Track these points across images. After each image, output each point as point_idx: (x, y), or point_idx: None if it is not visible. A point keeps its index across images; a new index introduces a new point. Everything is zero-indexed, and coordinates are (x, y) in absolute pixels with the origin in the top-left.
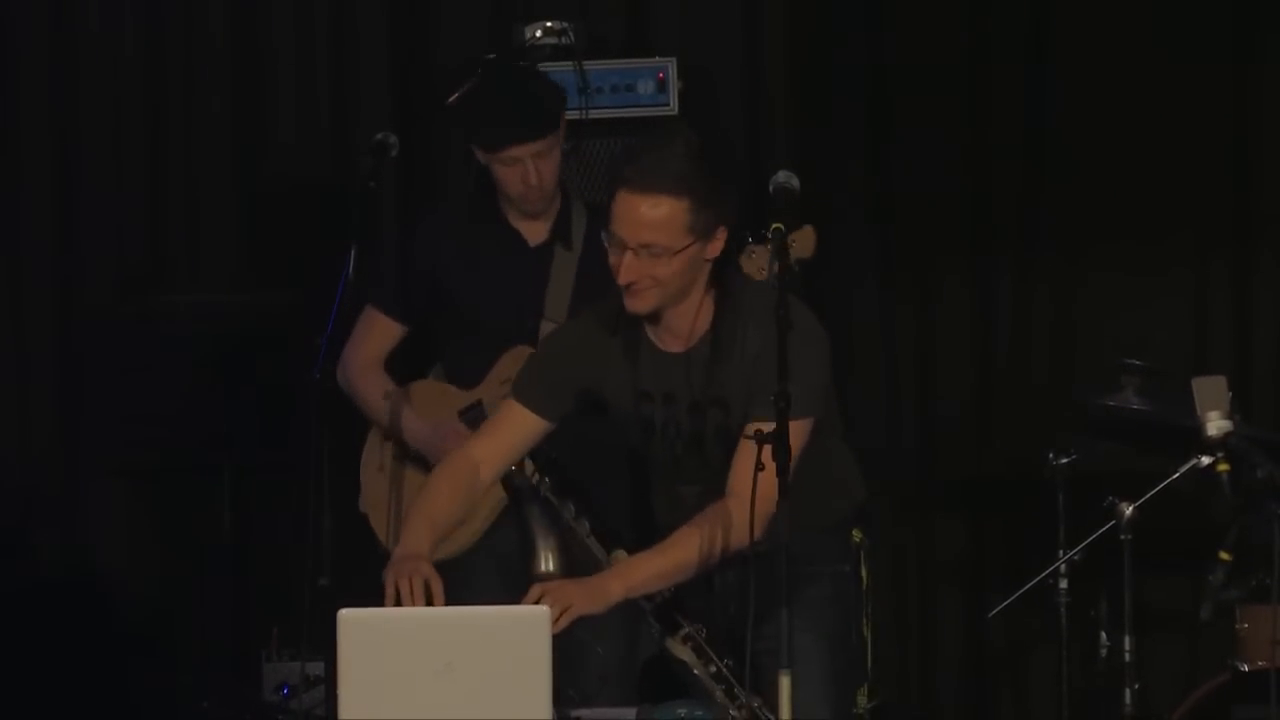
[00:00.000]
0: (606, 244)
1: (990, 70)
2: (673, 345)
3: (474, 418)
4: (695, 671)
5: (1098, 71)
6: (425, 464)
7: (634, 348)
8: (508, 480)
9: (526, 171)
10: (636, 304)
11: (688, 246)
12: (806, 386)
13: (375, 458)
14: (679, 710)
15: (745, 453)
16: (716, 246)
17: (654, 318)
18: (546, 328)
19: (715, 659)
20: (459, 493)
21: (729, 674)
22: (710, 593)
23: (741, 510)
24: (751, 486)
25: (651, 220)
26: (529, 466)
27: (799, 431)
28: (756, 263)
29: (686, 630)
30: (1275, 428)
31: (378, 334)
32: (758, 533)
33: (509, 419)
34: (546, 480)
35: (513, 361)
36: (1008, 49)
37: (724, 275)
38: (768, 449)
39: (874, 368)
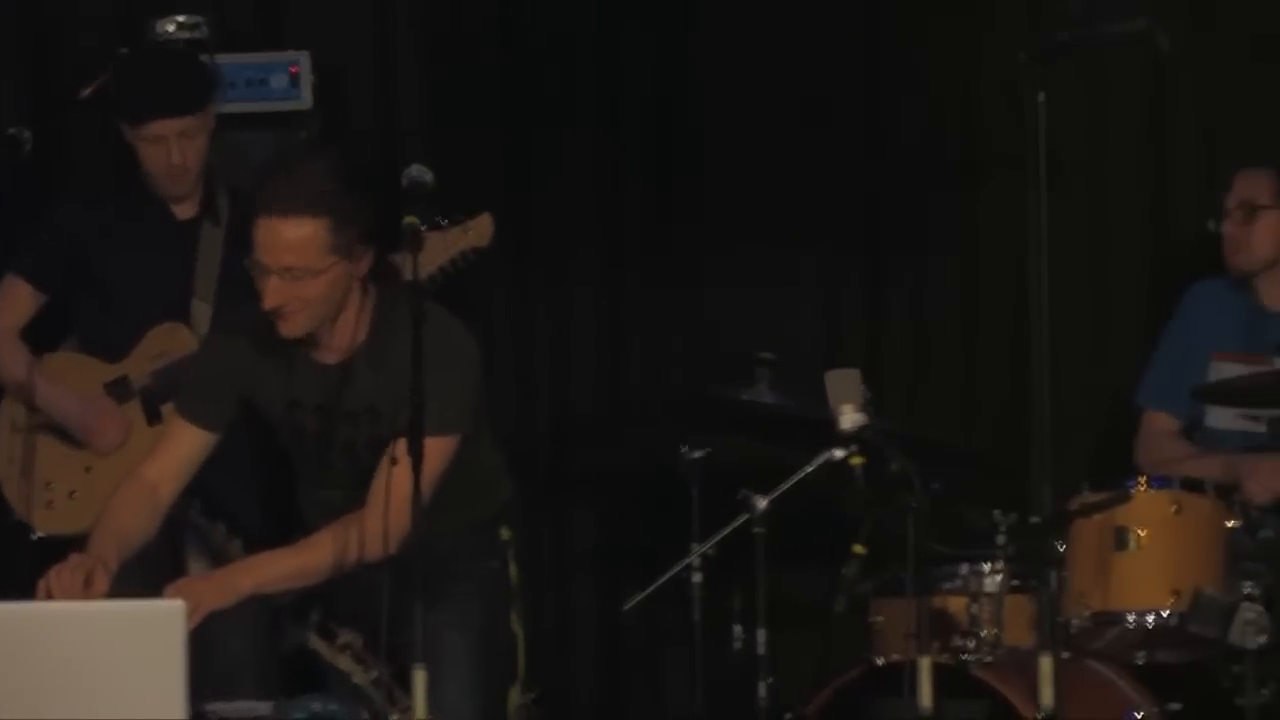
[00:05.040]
0: (251, 271)
1: (624, 70)
2: (327, 357)
3: (120, 391)
4: (355, 680)
5: (734, 75)
6: (62, 434)
7: (289, 360)
8: None
9: (170, 150)
10: (288, 328)
11: (331, 266)
12: (449, 406)
13: (4, 424)
14: (313, 705)
15: (388, 465)
16: (363, 264)
17: (309, 338)
18: (197, 305)
19: (375, 665)
20: (141, 514)
21: (388, 680)
22: (363, 590)
23: (379, 521)
24: (391, 499)
25: (292, 242)
26: None
27: (441, 449)
28: (433, 250)
29: (343, 639)
30: (908, 421)
31: (16, 301)
32: (392, 549)
33: (176, 435)
34: (197, 503)
35: (160, 338)
36: (640, 47)
37: (379, 286)
38: (403, 443)
39: (507, 359)
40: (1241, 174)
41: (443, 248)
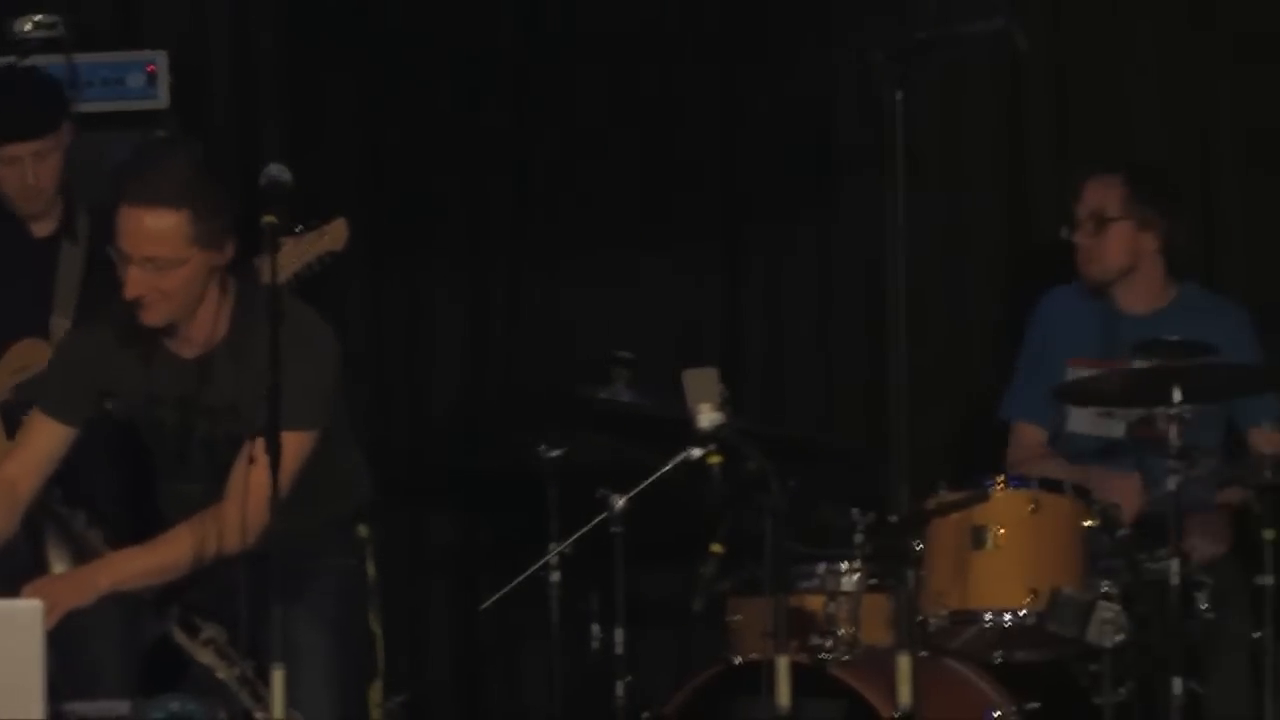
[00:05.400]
0: (114, 258)
1: (482, 68)
2: (187, 351)
3: None
4: (219, 675)
5: (591, 72)
6: None
7: (149, 353)
8: None
9: (25, 171)
10: (149, 317)
11: (192, 258)
12: (305, 401)
13: None
14: (171, 704)
15: (245, 458)
16: (225, 255)
17: (169, 328)
18: (57, 322)
19: (238, 661)
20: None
21: (252, 676)
22: (222, 587)
23: (237, 514)
24: (249, 492)
25: (154, 233)
26: None
27: (298, 444)
28: (288, 256)
29: (206, 634)
30: (766, 420)
31: None
32: (250, 541)
33: (35, 430)
34: (57, 491)
35: (20, 353)
36: (499, 46)
37: (240, 282)
38: (261, 442)
39: (365, 357)
40: (1091, 182)
41: (298, 253)
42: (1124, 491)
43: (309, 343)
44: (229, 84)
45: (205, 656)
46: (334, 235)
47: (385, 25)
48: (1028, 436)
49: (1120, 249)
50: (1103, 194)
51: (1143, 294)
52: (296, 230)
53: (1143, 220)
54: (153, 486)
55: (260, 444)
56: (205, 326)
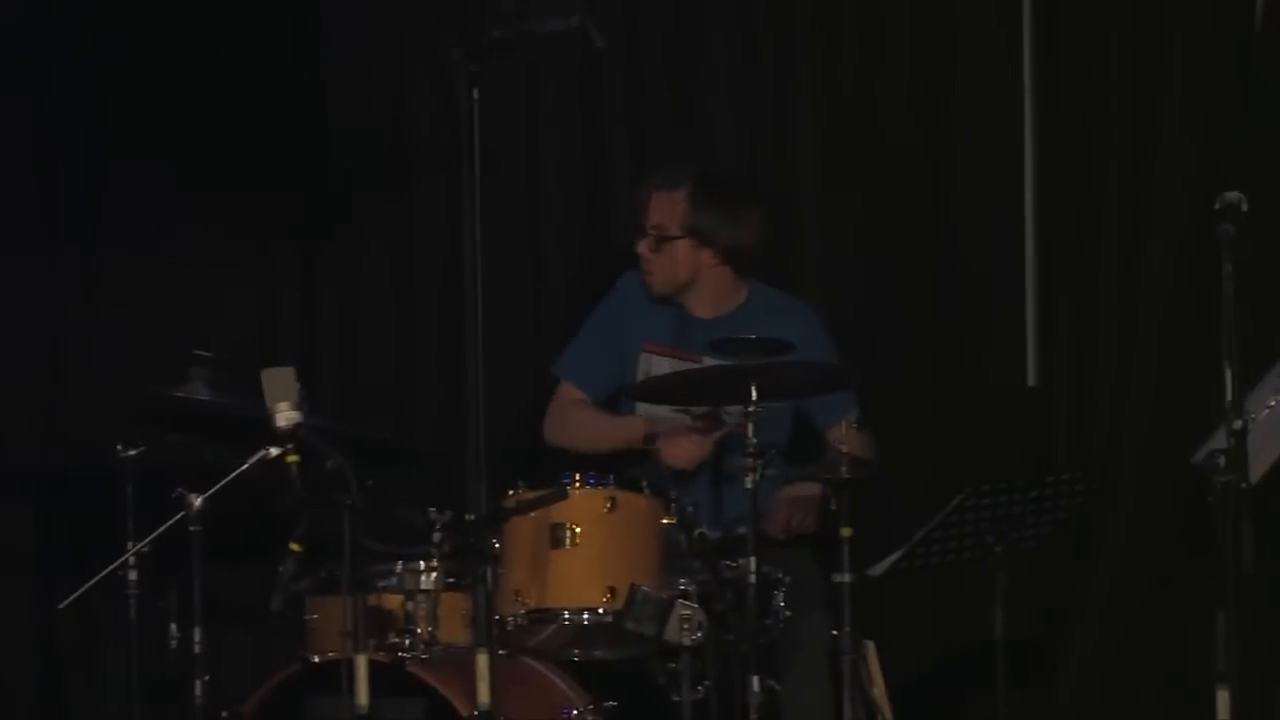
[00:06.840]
0: None
1: (57, 61)
2: None
3: None
4: None
5: (164, 67)
6: None
7: None
8: None
9: None
10: None
11: None
12: None
13: None
14: None
15: None
16: None
17: None
18: None
19: None
20: None
21: None
22: None
23: None
24: None
25: None
26: None
27: None
28: None
29: None
30: (343, 419)
31: None
32: None
33: None
34: None
35: None
36: (75, 41)
37: None
38: None
39: None
40: (655, 195)
41: None
42: (684, 440)
43: None
44: None
45: None
46: None
47: None
48: (568, 395)
49: (681, 265)
50: (665, 209)
51: (709, 301)
52: None
53: (703, 238)
54: None
55: None
56: None
